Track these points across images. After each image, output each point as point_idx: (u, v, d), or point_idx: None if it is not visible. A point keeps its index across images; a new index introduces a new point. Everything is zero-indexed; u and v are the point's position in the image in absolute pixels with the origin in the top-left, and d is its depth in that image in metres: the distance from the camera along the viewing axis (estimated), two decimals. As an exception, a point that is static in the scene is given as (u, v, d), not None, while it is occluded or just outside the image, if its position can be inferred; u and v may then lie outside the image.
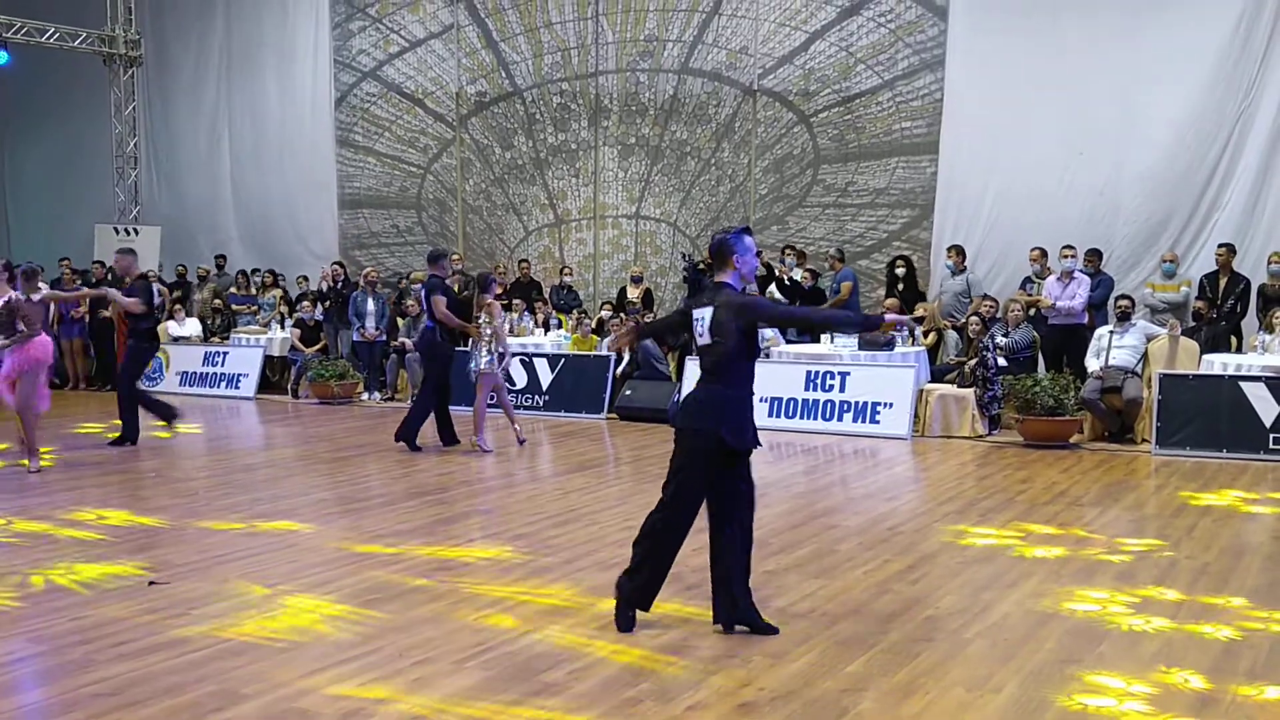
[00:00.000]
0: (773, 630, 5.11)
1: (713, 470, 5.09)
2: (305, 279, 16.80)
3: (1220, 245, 11.75)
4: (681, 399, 5.19)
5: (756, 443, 5.20)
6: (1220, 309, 11.57)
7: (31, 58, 18.81)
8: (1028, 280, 12.57)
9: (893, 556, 6.53)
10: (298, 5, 17.90)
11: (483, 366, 10.24)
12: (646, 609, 5.21)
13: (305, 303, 15.55)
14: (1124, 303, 11.25)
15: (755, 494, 5.23)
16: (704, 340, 5.14)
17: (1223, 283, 11.63)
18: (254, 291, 17.13)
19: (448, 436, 10.60)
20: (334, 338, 15.16)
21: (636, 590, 5.17)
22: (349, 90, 17.61)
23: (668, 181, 15.71)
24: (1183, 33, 12.43)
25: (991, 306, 12.12)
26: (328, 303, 15.19)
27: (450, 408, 10.77)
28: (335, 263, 15.93)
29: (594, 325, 13.86)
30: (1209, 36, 12.35)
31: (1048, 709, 4.26)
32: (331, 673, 4.62)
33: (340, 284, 15.11)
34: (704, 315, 5.12)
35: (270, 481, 9.11)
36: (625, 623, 5.16)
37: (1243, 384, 10.08)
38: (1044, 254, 12.43)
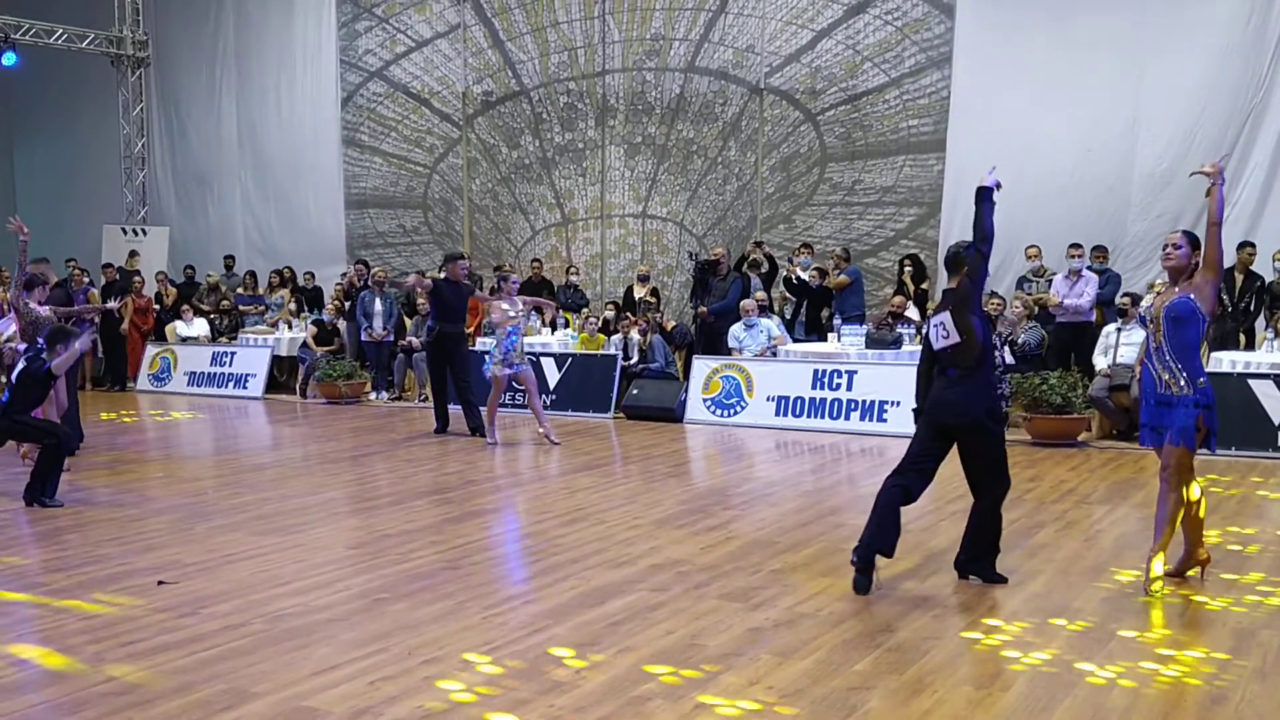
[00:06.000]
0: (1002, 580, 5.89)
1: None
2: (311, 275, 16.87)
3: (1246, 244, 11.67)
4: (943, 400, 5.84)
5: None
6: (1236, 307, 11.52)
7: (39, 59, 18.87)
8: (1024, 280, 12.53)
9: (900, 555, 6.50)
10: (304, 5, 17.93)
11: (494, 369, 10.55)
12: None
13: (330, 306, 15.57)
14: (1124, 300, 11.22)
15: None
16: (951, 340, 5.73)
17: (1239, 280, 11.57)
18: (261, 291, 17.18)
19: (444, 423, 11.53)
20: (355, 337, 15.10)
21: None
22: (355, 90, 17.63)
23: (674, 180, 15.71)
24: (1192, 29, 12.40)
25: (999, 304, 12.11)
26: (350, 302, 15.18)
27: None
28: (358, 261, 15.98)
29: (600, 324, 13.86)
30: (1218, 33, 12.31)
31: (1056, 706, 4.25)
32: (340, 671, 4.63)
33: (364, 283, 15.06)
34: (943, 320, 5.74)
35: (278, 481, 9.13)
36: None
37: (1251, 382, 10.06)
38: (1039, 251, 12.39)
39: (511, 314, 10.49)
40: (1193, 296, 5.61)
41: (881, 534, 5.75)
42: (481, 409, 11.00)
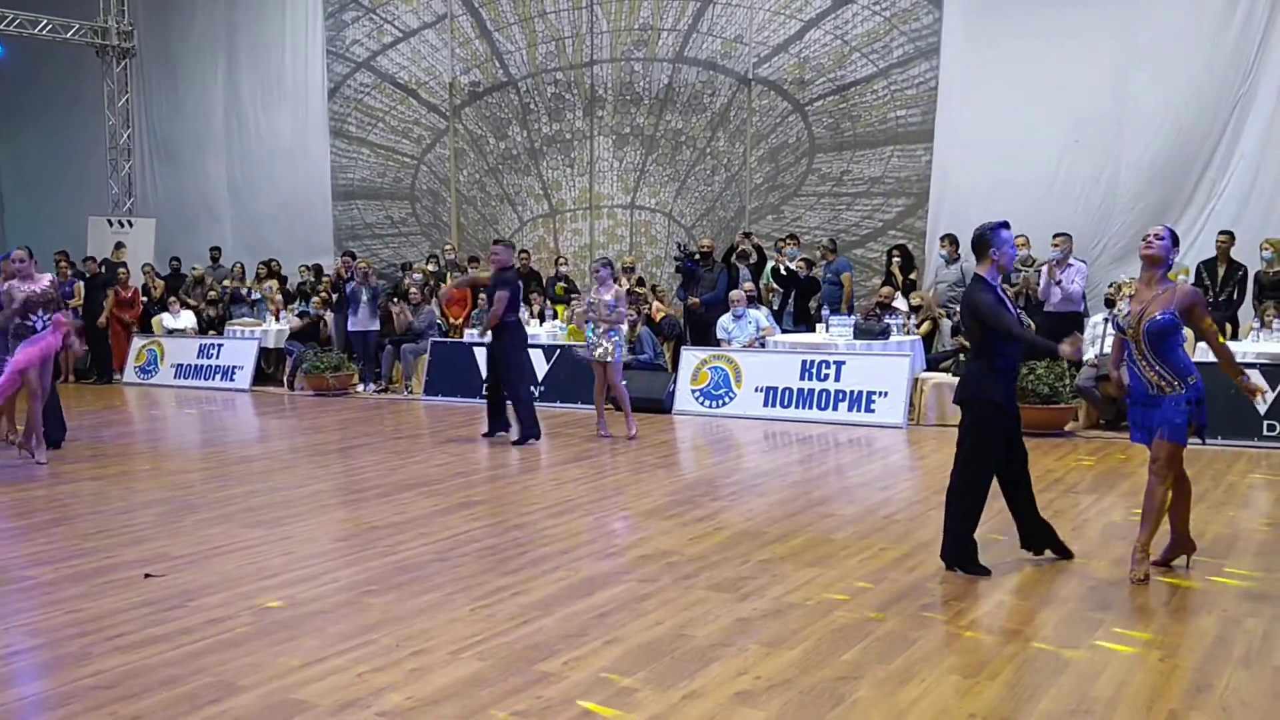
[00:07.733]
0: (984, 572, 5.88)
1: (995, 432, 5.84)
2: (307, 268, 16.84)
3: (1221, 233, 11.72)
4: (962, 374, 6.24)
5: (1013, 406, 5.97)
6: (1218, 296, 11.56)
7: (24, 50, 18.78)
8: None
9: (888, 545, 6.55)
10: (291, -5, 17.87)
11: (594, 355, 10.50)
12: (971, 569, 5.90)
13: (317, 299, 15.54)
14: (1110, 290, 11.27)
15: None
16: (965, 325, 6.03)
17: (1221, 270, 11.61)
18: (248, 283, 17.12)
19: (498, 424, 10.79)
20: (343, 329, 15.04)
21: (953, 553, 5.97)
22: (342, 81, 17.56)
23: (663, 171, 15.69)
24: (1179, 19, 12.42)
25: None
26: (337, 295, 15.14)
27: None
28: (346, 253, 15.94)
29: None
30: (1205, 23, 12.34)
31: (1042, 694, 4.27)
32: (328, 664, 4.63)
33: (351, 275, 15.02)
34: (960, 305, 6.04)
35: (266, 474, 9.10)
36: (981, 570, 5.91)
37: (1237, 371, 10.08)
38: (1027, 240, 12.42)
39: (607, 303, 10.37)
40: (1175, 313, 5.64)
41: (1019, 527, 6.19)
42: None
